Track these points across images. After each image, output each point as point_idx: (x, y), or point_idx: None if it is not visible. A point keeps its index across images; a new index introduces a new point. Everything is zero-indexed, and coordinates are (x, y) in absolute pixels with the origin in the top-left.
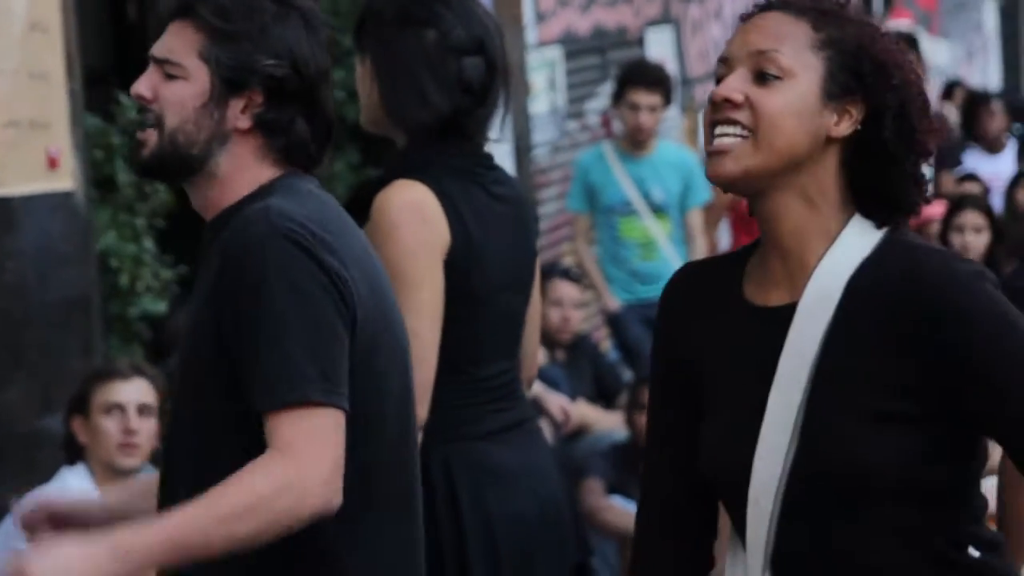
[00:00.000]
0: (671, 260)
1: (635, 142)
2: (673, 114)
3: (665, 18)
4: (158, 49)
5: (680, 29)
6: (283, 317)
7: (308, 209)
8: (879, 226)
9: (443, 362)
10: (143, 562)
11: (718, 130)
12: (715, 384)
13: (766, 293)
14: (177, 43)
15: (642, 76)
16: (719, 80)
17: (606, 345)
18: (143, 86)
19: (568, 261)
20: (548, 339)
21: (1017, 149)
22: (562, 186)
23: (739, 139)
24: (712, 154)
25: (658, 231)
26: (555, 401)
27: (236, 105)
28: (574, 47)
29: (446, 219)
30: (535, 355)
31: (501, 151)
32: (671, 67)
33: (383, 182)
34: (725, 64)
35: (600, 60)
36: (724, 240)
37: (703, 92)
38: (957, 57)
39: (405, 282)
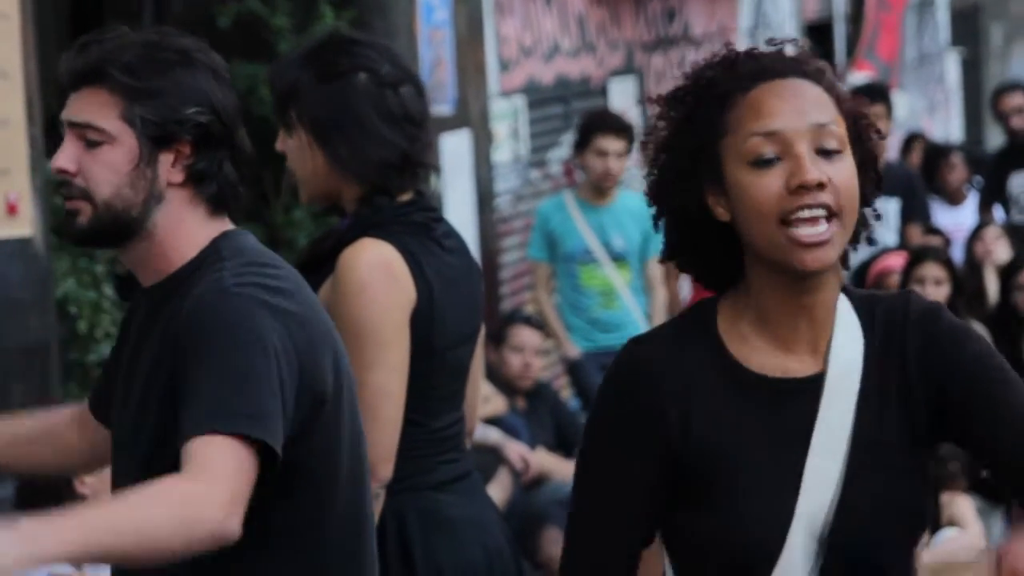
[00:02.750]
0: (631, 309)
1: (599, 190)
2: (634, 163)
3: (628, 68)
4: (75, 115)
5: (643, 79)
6: (225, 364)
7: (259, 268)
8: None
9: (403, 414)
10: (51, 553)
11: (807, 213)
12: (730, 460)
13: (781, 364)
14: (94, 108)
15: (608, 123)
16: (762, 160)
17: (566, 393)
18: (64, 159)
19: (529, 309)
20: (509, 386)
21: (978, 201)
22: (524, 234)
23: (828, 225)
24: (812, 246)
25: (618, 280)
26: (515, 449)
27: (166, 160)
28: (537, 96)
29: (411, 277)
30: (476, 407)
31: (464, 199)
32: (634, 117)
33: (344, 240)
34: (773, 140)
35: (563, 109)
36: (685, 289)
37: None
38: (918, 110)
39: (376, 340)
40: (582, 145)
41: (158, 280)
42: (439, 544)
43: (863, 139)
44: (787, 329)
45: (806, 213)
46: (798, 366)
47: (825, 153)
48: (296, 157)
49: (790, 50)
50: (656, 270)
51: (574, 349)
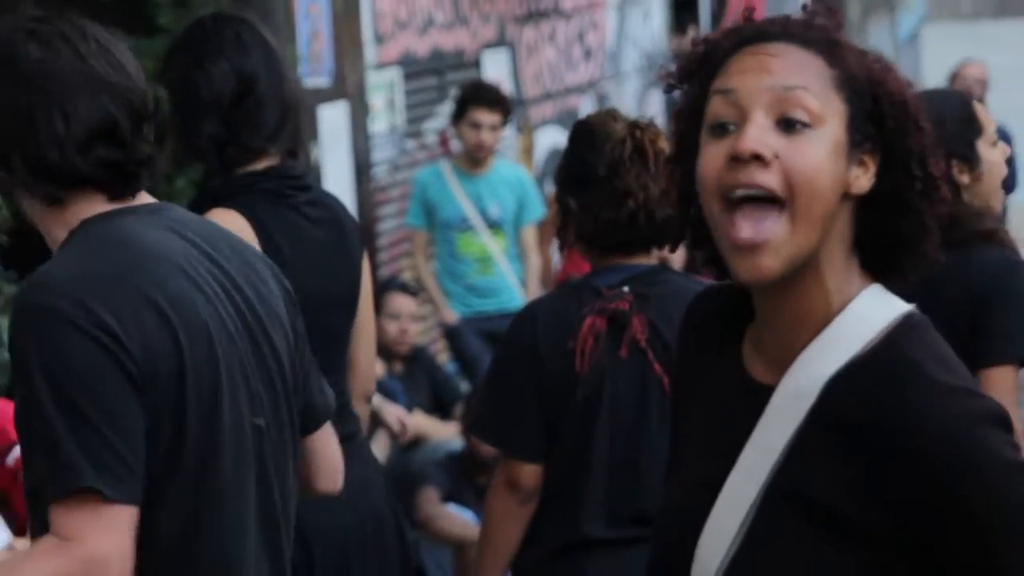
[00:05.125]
0: (506, 275)
1: (475, 160)
2: (509, 134)
3: (501, 41)
4: None
5: (516, 52)
6: (46, 408)
7: (89, 267)
8: (889, 283)
9: None
10: None
11: (741, 193)
12: (690, 435)
13: (756, 362)
14: None
15: (483, 96)
16: (718, 126)
17: (444, 358)
18: None
19: (407, 276)
20: (386, 351)
21: None
22: (401, 203)
23: (770, 220)
24: (743, 248)
25: (494, 247)
26: (392, 412)
27: None
28: (413, 68)
29: (259, 245)
30: (370, 370)
31: (341, 169)
32: (507, 88)
33: (198, 210)
34: (728, 102)
35: (438, 81)
36: (556, 256)
37: (537, 113)
38: None
39: None
40: (458, 116)
41: None
42: (303, 507)
43: (890, 127)
44: (763, 328)
45: (739, 193)
46: (761, 369)
47: (787, 124)
48: None
49: (801, 16)
50: (530, 237)
51: (452, 315)
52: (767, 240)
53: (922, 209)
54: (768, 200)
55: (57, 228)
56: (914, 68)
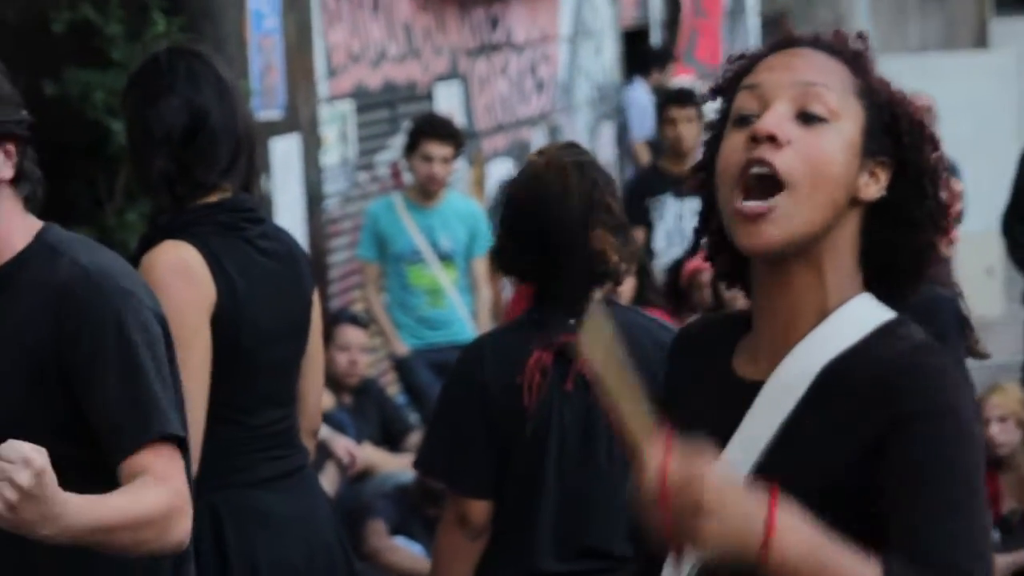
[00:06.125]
0: (457, 307)
1: (426, 192)
2: (461, 166)
3: (453, 73)
4: None
5: (468, 84)
6: (139, 363)
7: (113, 262)
8: (886, 299)
9: (215, 412)
10: (64, 531)
11: (756, 170)
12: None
13: (748, 364)
14: None
15: (435, 128)
16: (740, 118)
17: (394, 390)
18: None
19: (359, 308)
20: (335, 383)
21: None
22: (353, 235)
23: (777, 197)
24: (748, 216)
25: (445, 279)
26: (341, 444)
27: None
28: (365, 101)
29: (211, 277)
30: (318, 405)
31: (293, 202)
32: (459, 121)
33: (150, 242)
34: (753, 95)
35: (390, 114)
36: (508, 288)
37: (490, 145)
38: None
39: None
40: (410, 149)
41: None
42: (255, 539)
43: (906, 142)
44: (759, 325)
45: (755, 170)
46: (754, 369)
47: (806, 117)
48: None
49: (831, 33)
50: (481, 270)
51: (403, 347)
52: (771, 209)
53: (927, 229)
54: (777, 185)
55: (17, 227)
56: None
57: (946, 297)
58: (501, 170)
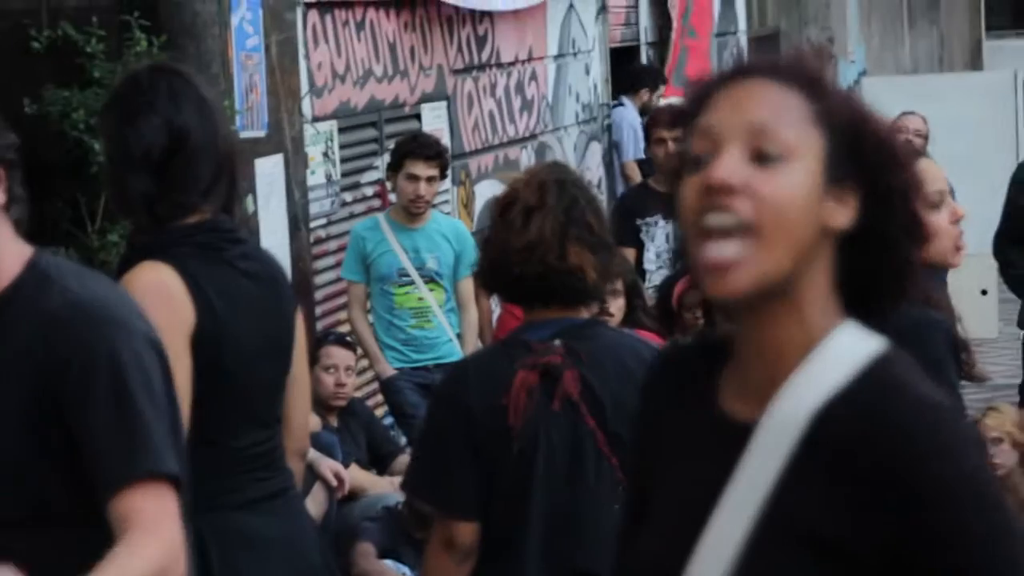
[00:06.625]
0: (444, 327)
1: (412, 212)
2: (447, 186)
3: (439, 93)
4: None
5: (454, 104)
6: (130, 395)
7: (107, 290)
8: (866, 320)
9: (198, 434)
10: None
11: (714, 220)
12: (664, 487)
13: (735, 401)
14: None
15: (420, 148)
16: (694, 160)
17: (381, 412)
18: None
19: (344, 329)
20: (322, 404)
21: None
22: (338, 256)
23: (739, 243)
24: (712, 269)
25: (431, 299)
26: (329, 466)
27: None
28: (350, 121)
29: (191, 298)
30: (305, 427)
31: (278, 222)
32: (446, 140)
33: (129, 262)
34: (706, 137)
35: (376, 133)
36: (496, 307)
37: (476, 165)
38: None
39: None
40: (395, 168)
41: None
42: (240, 563)
43: (872, 163)
44: (742, 364)
45: (712, 220)
46: (742, 408)
47: (760, 157)
48: None
49: (788, 54)
50: (468, 290)
51: (389, 368)
52: (735, 260)
53: (904, 246)
54: (738, 230)
55: (10, 253)
56: None
57: (937, 320)
58: (488, 190)
